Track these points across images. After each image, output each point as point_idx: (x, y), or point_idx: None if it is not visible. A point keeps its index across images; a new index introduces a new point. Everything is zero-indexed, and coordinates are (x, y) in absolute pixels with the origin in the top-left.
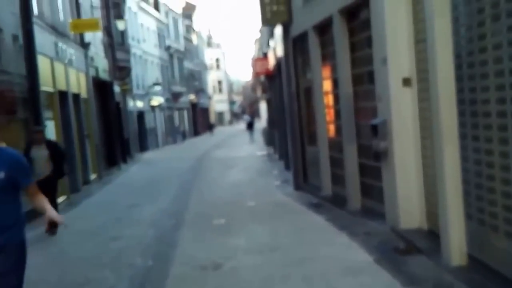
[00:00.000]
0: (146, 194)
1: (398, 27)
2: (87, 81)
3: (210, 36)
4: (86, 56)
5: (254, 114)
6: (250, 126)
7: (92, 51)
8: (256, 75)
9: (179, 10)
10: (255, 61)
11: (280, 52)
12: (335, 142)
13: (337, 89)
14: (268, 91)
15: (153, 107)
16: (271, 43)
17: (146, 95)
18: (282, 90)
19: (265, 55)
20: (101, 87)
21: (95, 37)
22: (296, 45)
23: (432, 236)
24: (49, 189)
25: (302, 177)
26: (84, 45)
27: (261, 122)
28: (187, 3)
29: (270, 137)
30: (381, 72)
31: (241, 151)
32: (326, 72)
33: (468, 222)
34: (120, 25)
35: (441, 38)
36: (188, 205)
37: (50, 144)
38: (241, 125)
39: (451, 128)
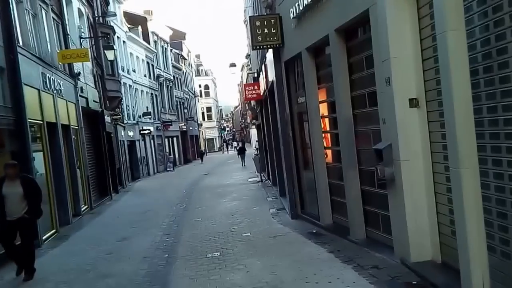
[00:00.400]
0: (137, 226)
1: (403, 44)
2: (77, 111)
3: (199, 63)
4: (75, 86)
5: (244, 140)
6: (241, 151)
7: (81, 81)
8: (246, 100)
9: (167, 38)
10: (245, 86)
11: (271, 76)
12: (334, 168)
13: (334, 113)
14: (258, 117)
15: (143, 136)
16: (262, 67)
17: (137, 124)
18: (274, 115)
19: (255, 80)
20: (91, 117)
21: (84, 68)
22: (288, 68)
23: (447, 269)
24: (26, 231)
25: (300, 205)
26: (73, 76)
27: (251, 148)
28: (175, 30)
29: (262, 163)
30: (385, 93)
31: (233, 178)
32: (322, 95)
33: (491, 255)
34: (110, 55)
35: (455, 54)
36: (180, 238)
37: (25, 180)
38: (231, 152)
39: (470, 152)
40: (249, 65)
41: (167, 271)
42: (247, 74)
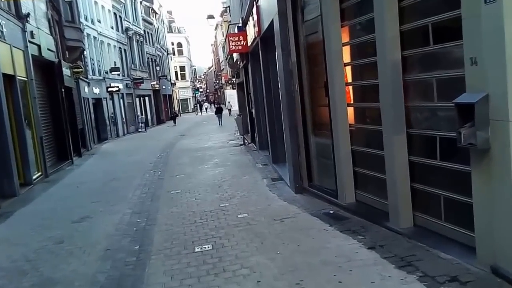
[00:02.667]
0: (100, 200)
1: None
2: (25, 60)
3: (171, 20)
4: (23, 30)
5: (219, 101)
6: (218, 111)
7: (32, 25)
8: (230, 53)
9: None
10: (229, 37)
11: (267, 18)
12: (361, 132)
13: (365, 57)
14: (241, 74)
15: (111, 94)
16: (253, 11)
17: (104, 80)
18: (269, 67)
19: (240, 30)
20: (46, 69)
21: (36, 9)
22: (296, 2)
23: None
24: None
25: (307, 177)
26: (21, 17)
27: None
28: None
29: (245, 125)
30: (479, 17)
31: (211, 141)
32: (345, 35)
33: None
34: None
35: None
36: (156, 218)
37: None
38: (205, 113)
39: None
40: (226, 21)
41: (138, 277)
42: (228, 25)
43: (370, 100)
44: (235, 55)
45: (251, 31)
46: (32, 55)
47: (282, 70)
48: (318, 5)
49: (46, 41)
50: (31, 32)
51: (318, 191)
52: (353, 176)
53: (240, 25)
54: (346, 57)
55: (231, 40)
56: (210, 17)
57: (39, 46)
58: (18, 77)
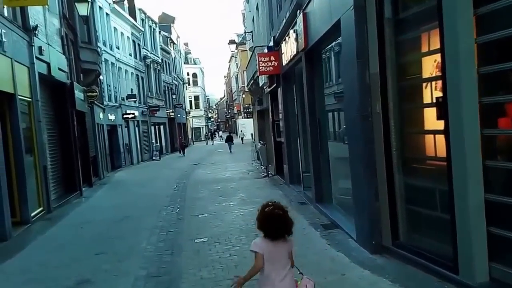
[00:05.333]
0: (106, 251)
1: None
2: (30, 77)
3: (188, 51)
4: (30, 44)
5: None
6: (229, 139)
7: (41, 40)
8: (260, 74)
9: (156, 19)
10: (259, 56)
11: (323, 25)
12: (503, 173)
13: None
14: (265, 100)
15: (127, 121)
16: (298, 20)
17: (120, 107)
18: (313, 87)
19: (270, 50)
20: (56, 90)
21: (47, 24)
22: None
23: None
24: None
25: (390, 231)
26: (28, 29)
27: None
28: (164, 13)
29: (269, 155)
30: None
31: (229, 170)
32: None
33: None
34: (82, 9)
35: None
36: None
37: None
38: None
39: None
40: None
41: None
42: (254, 48)
43: None
44: (261, 79)
45: (289, 48)
46: (39, 73)
47: (352, 86)
48: None
49: (57, 60)
50: (40, 48)
51: (411, 255)
52: (486, 240)
53: (271, 44)
54: (480, 61)
55: (261, 61)
56: (232, 42)
57: (48, 64)
58: (19, 97)
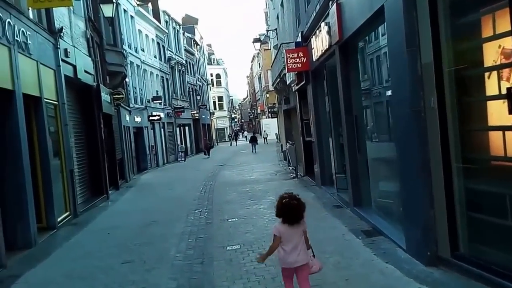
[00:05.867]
0: (133, 259)
1: None
2: (56, 80)
3: (211, 52)
4: (56, 46)
5: (254, 130)
6: (253, 139)
7: (67, 42)
8: (288, 71)
9: (179, 20)
10: (287, 53)
11: (353, 21)
12: None
13: None
14: (292, 98)
15: (153, 123)
16: (332, 12)
17: (145, 109)
18: (349, 83)
19: (298, 46)
20: (82, 93)
21: (72, 26)
22: None
23: None
24: None
25: (448, 241)
26: (53, 31)
27: (261, 138)
28: (187, 15)
29: (298, 155)
30: None
31: (256, 172)
32: None
33: None
34: (107, 10)
35: None
36: None
37: None
38: (240, 143)
39: None
40: (267, 49)
41: None
42: (280, 45)
43: None
44: (288, 77)
45: (320, 42)
46: (65, 75)
47: (400, 78)
48: None
49: (83, 62)
50: (65, 50)
51: (474, 268)
52: None
53: (299, 40)
54: None
55: (289, 57)
56: (257, 40)
57: (74, 67)
58: (45, 100)
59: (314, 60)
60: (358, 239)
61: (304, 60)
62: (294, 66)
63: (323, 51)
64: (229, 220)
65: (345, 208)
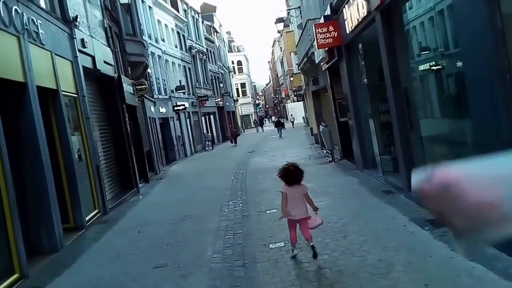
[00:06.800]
0: (166, 262)
1: None
2: (74, 72)
3: (231, 39)
4: (71, 36)
5: (280, 114)
6: (278, 124)
7: (83, 32)
8: (319, 48)
9: (197, 9)
10: (316, 27)
11: None
12: None
13: None
14: (321, 78)
15: (178, 113)
16: None
17: (169, 99)
18: (395, 51)
19: (327, 19)
20: (103, 85)
21: (89, 15)
22: None
23: None
24: None
25: None
26: (67, 20)
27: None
28: (205, 3)
29: (333, 137)
30: None
31: (288, 157)
32: None
33: None
34: None
35: None
36: None
37: None
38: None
39: None
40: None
41: None
42: (306, 21)
43: None
44: (317, 56)
45: (355, 11)
46: (83, 67)
47: (474, 36)
48: None
49: (102, 53)
50: (82, 40)
51: None
52: None
53: (328, 13)
54: None
55: (318, 32)
56: (279, 20)
57: (93, 58)
58: (63, 93)
59: (347, 32)
60: (425, 231)
61: (335, 35)
62: (325, 41)
63: (359, 19)
64: (267, 212)
65: (397, 193)
